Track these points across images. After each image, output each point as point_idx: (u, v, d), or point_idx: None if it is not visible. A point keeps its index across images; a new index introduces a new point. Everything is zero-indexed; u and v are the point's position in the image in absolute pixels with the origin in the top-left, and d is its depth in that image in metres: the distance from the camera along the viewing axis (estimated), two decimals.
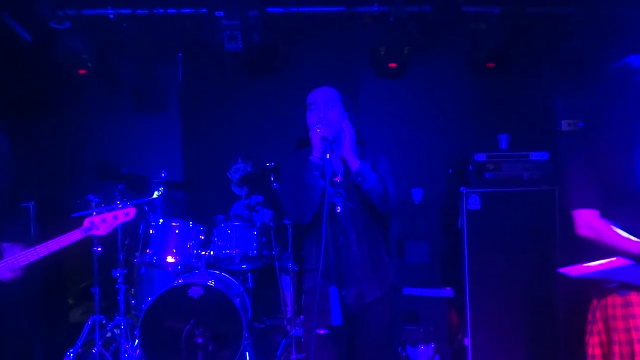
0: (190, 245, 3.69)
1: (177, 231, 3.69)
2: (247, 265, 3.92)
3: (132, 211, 2.51)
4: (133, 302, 3.86)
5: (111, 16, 4.00)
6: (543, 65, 4.40)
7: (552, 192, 3.75)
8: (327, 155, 2.09)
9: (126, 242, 3.77)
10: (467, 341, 3.74)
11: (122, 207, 2.51)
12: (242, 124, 4.72)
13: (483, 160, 3.90)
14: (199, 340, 3.15)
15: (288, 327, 3.75)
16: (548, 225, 3.73)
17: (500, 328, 3.72)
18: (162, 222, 3.70)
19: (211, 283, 3.41)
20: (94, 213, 2.48)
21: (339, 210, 2.18)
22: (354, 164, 2.20)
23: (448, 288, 3.94)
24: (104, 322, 3.64)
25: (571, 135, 3.85)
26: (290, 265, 3.68)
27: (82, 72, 4.08)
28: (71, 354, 3.48)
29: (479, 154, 3.91)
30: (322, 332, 2.15)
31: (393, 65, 4.30)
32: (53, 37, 3.85)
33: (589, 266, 2.00)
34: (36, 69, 4.26)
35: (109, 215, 2.45)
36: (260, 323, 4.10)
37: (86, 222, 2.42)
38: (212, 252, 3.69)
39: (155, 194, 3.69)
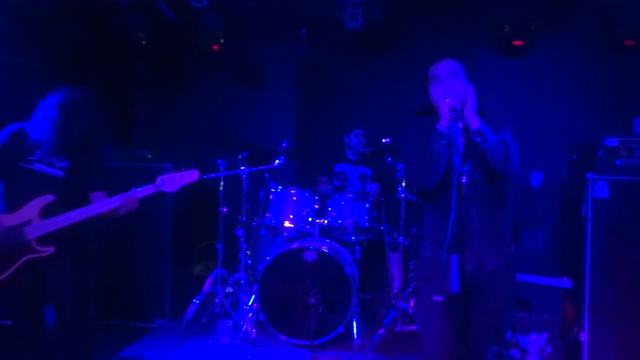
0: (305, 213, 3.89)
1: (294, 198, 3.91)
2: (356, 237, 4.05)
3: (195, 174, 2.79)
4: (250, 261, 4.16)
5: None
6: None
7: None
8: (460, 125, 2.10)
9: (246, 207, 4.05)
10: (584, 336, 3.52)
11: (188, 170, 2.77)
12: (356, 99, 4.84)
13: (614, 146, 3.61)
14: (312, 301, 3.33)
15: (394, 301, 3.83)
16: None
17: (622, 325, 3.44)
18: (280, 189, 3.93)
19: (325, 249, 3.57)
20: (165, 173, 2.75)
21: (464, 180, 2.18)
22: (475, 123, 2.19)
23: (565, 278, 3.74)
24: (225, 276, 3.97)
25: None
26: (401, 239, 3.74)
27: (215, 47, 4.42)
28: (197, 302, 3.85)
29: (610, 138, 3.62)
30: (438, 299, 2.19)
31: (518, 43, 4.13)
32: (192, 15, 4.20)
33: None
34: (177, 45, 4.69)
35: (177, 176, 2.74)
36: (366, 294, 4.22)
37: (158, 180, 2.72)
38: (325, 221, 3.85)
39: (276, 162, 3.92)
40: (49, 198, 2.56)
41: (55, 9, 4.28)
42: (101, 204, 2.60)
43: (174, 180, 2.71)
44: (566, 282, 3.72)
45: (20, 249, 2.53)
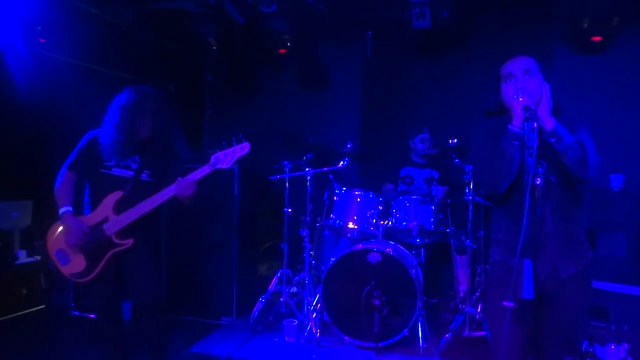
0: (369, 215, 3.88)
1: (358, 200, 3.91)
2: (421, 240, 3.99)
3: (246, 146, 2.77)
4: (313, 262, 4.20)
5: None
6: None
7: None
8: (535, 124, 2.01)
9: (310, 208, 4.10)
10: None
11: (239, 144, 2.75)
12: (422, 99, 4.77)
13: None
14: (376, 302, 3.31)
15: (461, 305, 3.73)
16: None
17: None
18: (345, 190, 3.95)
19: (389, 251, 3.55)
20: (217, 150, 2.75)
21: (538, 182, 2.10)
22: (549, 123, 2.09)
23: None
24: (290, 276, 4.04)
25: None
26: (468, 242, 3.64)
27: (282, 51, 4.51)
28: (263, 301, 3.94)
29: None
30: (509, 305, 2.12)
31: (597, 38, 3.90)
32: (261, 20, 4.31)
33: None
34: (245, 49, 4.84)
35: (229, 151, 2.74)
36: (431, 298, 4.14)
37: (212, 159, 2.73)
38: (390, 223, 3.82)
39: (341, 164, 3.94)
40: (118, 194, 2.72)
41: (132, 17, 4.55)
42: (163, 193, 2.70)
43: (227, 156, 2.73)
44: None
45: (104, 245, 2.71)
